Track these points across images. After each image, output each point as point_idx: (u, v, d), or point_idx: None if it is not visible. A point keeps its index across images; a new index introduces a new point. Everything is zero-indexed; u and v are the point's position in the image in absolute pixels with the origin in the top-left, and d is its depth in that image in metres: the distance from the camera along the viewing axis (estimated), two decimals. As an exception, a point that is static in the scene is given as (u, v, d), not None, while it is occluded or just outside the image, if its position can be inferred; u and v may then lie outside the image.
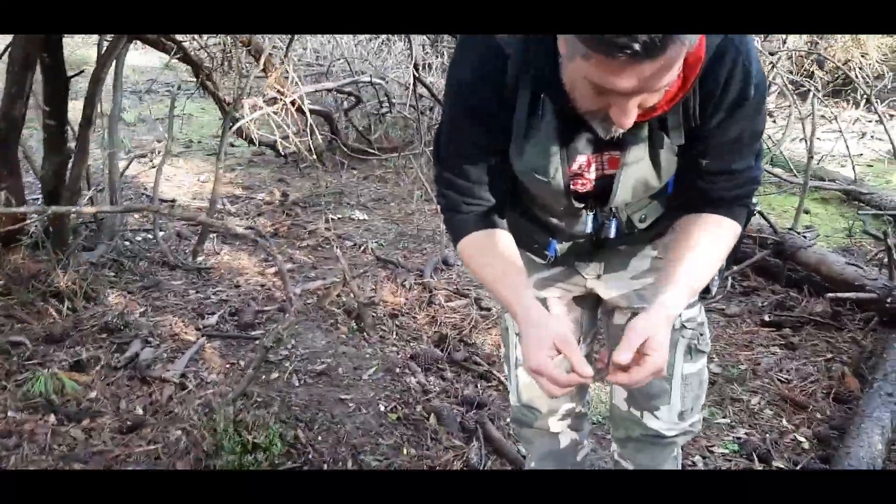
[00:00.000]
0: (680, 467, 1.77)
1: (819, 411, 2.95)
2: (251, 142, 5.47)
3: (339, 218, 4.95)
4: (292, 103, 4.32)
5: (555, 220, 1.44)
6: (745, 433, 2.80)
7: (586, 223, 1.39)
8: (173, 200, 5.03)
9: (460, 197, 1.36)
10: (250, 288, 3.72)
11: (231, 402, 2.26)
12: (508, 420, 2.61)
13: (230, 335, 3.18)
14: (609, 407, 1.76)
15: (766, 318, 3.77)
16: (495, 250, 1.34)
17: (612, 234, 1.40)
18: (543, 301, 1.61)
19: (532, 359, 1.17)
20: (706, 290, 1.49)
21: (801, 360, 3.33)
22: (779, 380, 3.19)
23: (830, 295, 3.31)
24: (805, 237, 3.75)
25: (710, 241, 1.30)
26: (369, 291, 3.78)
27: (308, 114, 4.43)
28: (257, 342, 2.56)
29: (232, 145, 6.63)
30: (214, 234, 4.38)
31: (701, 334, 1.54)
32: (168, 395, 2.72)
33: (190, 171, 6.00)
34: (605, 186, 1.31)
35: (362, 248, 4.44)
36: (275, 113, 4.26)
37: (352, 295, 3.46)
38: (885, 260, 3.71)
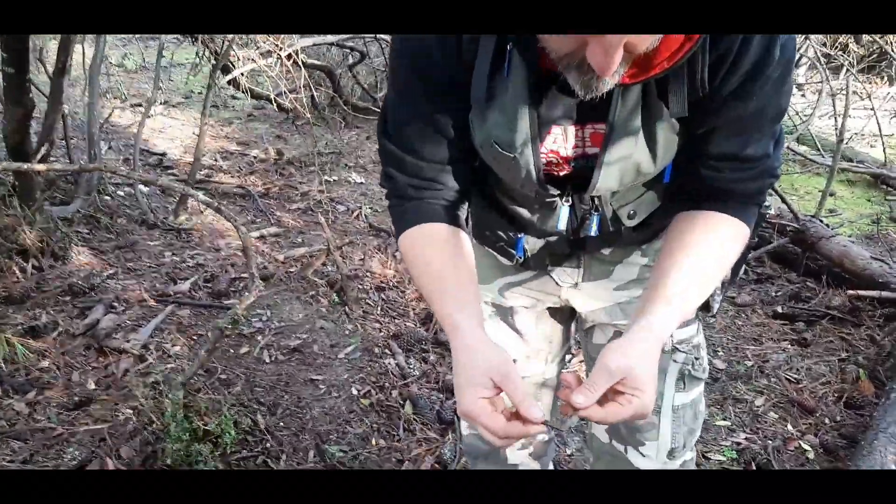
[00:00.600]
0: None
1: (828, 417, 2.72)
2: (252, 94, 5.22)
3: (334, 180, 4.71)
4: (288, 57, 4.05)
5: (524, 212, 1.19)
6: (746, 438, 2.58)
7: (562, 216, 1.13)
8: (163, 154, 4.81)
9: (408, 179, 1.10)
10: (231, 252, 3.51)
11: (181, 385, 2.07)
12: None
13: (200, 303, 2.99)
14: (588, 435, 1.53)
15: (780, 309, 3.51)
16: (439, 251, 1.08)
17: (594, 231, 1.14)
18: (510, 310, 1.37)
19: (461, 400, 0.92)
20: (705, 307, 1.25)
21: (814, 358, 3.09)
22: (787, 379, 2.95)
23: (851, 292, 3.05)
24: (828, 226, 3.47)
25: (711, 246, 1.04)
26: (357, 261, 3.57)
27: (304, 68, 4.16)
28: (217, 320, 2.36)
29: (234, 97, 6.38)
30: (200, 192, 4.18)
31: (697, 358, 1.29)
32: (124, 368, 2.53)
33: (187, 123, 5.77)
34: (585, 169, 1.04)
35: (355, 213, 4.21)
36: (268, 67, 3.99)
37: (336, 266, 3.24)
38: (913, 253, 3.44)
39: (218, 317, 2.93)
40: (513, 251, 1.24)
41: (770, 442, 2.55)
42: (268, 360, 2.72)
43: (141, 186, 3.89)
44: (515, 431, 0.89)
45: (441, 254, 1.08)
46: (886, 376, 2.85)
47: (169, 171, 4.56)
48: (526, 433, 0.89)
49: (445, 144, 1.07)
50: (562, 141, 1.03)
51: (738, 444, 2.54)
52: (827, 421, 2.70)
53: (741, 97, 0.94)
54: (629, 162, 1.01)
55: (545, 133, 1.02)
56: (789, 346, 3.21)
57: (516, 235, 1.23)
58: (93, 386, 2.45)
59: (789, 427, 2.66)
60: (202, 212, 3.98)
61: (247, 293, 2.05)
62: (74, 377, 2.49)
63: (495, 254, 1.31)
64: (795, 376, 2.97)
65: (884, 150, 5.31)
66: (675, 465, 1.36)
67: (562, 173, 1.08)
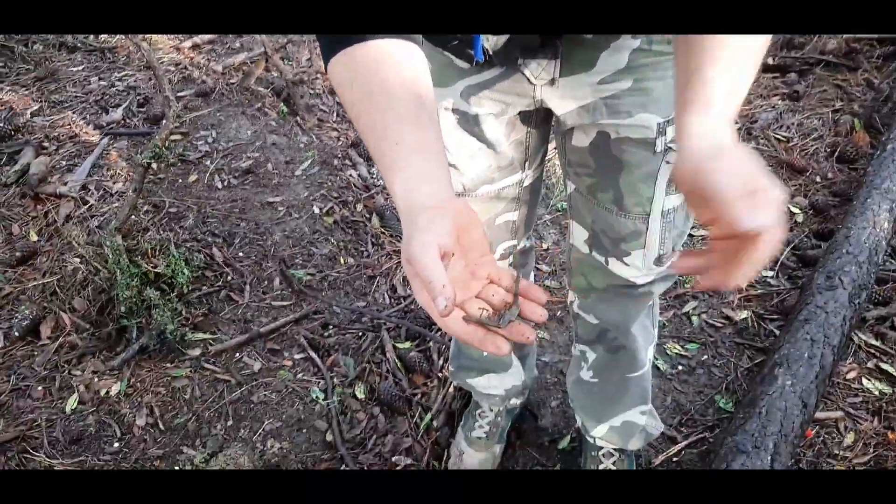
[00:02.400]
0: (657, 319, 1.42)
1: (819, 175, 2.58)
2: None
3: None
4: None
5: None
6: (732, 208, 2.46)
7: None
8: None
9: None
10: (164, 69, 3.16)
11: (115, 230, 1.89)
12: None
13: (137, 132, 2.73)
14: (566, 247, 1.37)
15: (770, 60, 3.24)
16: (378, 74, 0.78)
17: None
18: (475, 118, 1.13)
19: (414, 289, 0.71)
20: None
21: (806, 112, 2.88)
22: (776, 139, 2.77)
23: (848, 36, 2.75)
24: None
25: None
26: (304, 62, 3.23)
27: None
28: (139, 153, 2.11)
29: None
30: None
31: None
32: (65, 214, 2.35)
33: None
34: None
35: (299, 6, 3.76)
36: None
37: (279, 71, 2.92)
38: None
39: (160, 144, 2.68)
40: (470, 51, 0.98)
41: (757, 209, 2.43)
42: (220, 186, 2.53)
43: None
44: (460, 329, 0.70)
45: (382, 78, 0.77)
46: (883, 124, 2.67)
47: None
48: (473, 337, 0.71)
49: None
50: None
51: (724, 215, 2.42)
52: (818, 179, 2.56)
53: None
54: None
55: None
56: (780, 101, 2.99)
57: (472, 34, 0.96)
58: (35, 237, 2.29)
59: (777, 191, 2.52)
60: (128, 24, 3.54)
61: (164, 121, 1.80)
62: (14, 230, 2.32)
63: (449, 54, 1.05)
64: (785, 134, 2.79)
65: None
66: (661, 269, 1.22)
67: None
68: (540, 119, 1.19)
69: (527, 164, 1.23)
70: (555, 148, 1.29)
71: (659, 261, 1.20)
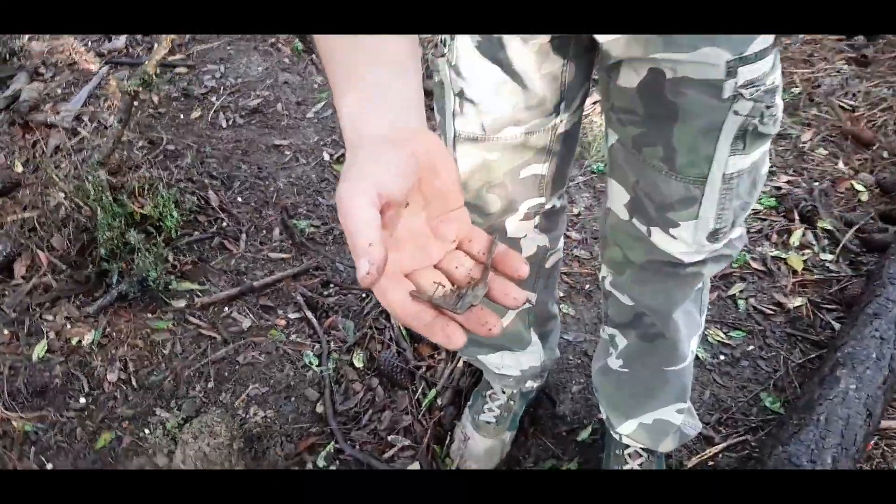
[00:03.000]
0: (706, 306, 1.19)
1: (888, 150, 2.31)
2: None
3: None
4: None
5: None
6: (788, 182, 2.21)
7: None
8: None
9: None
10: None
11: (97, 165, 1.70)
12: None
13: (139, 62, 2.52)
14: (602, 213, 1.14)
15: (837, 22, 2.93)
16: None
17: None
18: (499, 41, 0.90)
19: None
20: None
21: (874, 79, 2.59)
22: (841, 107, 2.49)
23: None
24: None
25: None
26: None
27: None
28: (125, 80, 1.90)
29: None
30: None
31: (769, 107, 0.85)
32: (55, 145, 2.16)
33: None
34: None
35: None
36: None
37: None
38: None
39: (163, 77, 2.48)
40: None
41: (816, 184, 2.18)
42: (224, 125, 2.32)
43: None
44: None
45: None
46: (965, 97, 2.37)
47: None
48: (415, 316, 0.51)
49: None
50: None
51: (779, 188, 2.18)
52: (886, 155, 2.29)
53: None
54: None
55: None
56: (845, 65, 2.69)
57: None
58: (20, 168, 2.11)
59: (840, 165, 2.26)
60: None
61: (155, 45, 1.59)
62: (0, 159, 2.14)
63: None
64: (851, 103, 2.51)
65: None
66: (716, 246, 0.99)
67: None
68: (580, 49, 0.95)
69: (562, 105, 1.00)
70: (594, 103, 1.05)
71: (714, 236, 0.97)
